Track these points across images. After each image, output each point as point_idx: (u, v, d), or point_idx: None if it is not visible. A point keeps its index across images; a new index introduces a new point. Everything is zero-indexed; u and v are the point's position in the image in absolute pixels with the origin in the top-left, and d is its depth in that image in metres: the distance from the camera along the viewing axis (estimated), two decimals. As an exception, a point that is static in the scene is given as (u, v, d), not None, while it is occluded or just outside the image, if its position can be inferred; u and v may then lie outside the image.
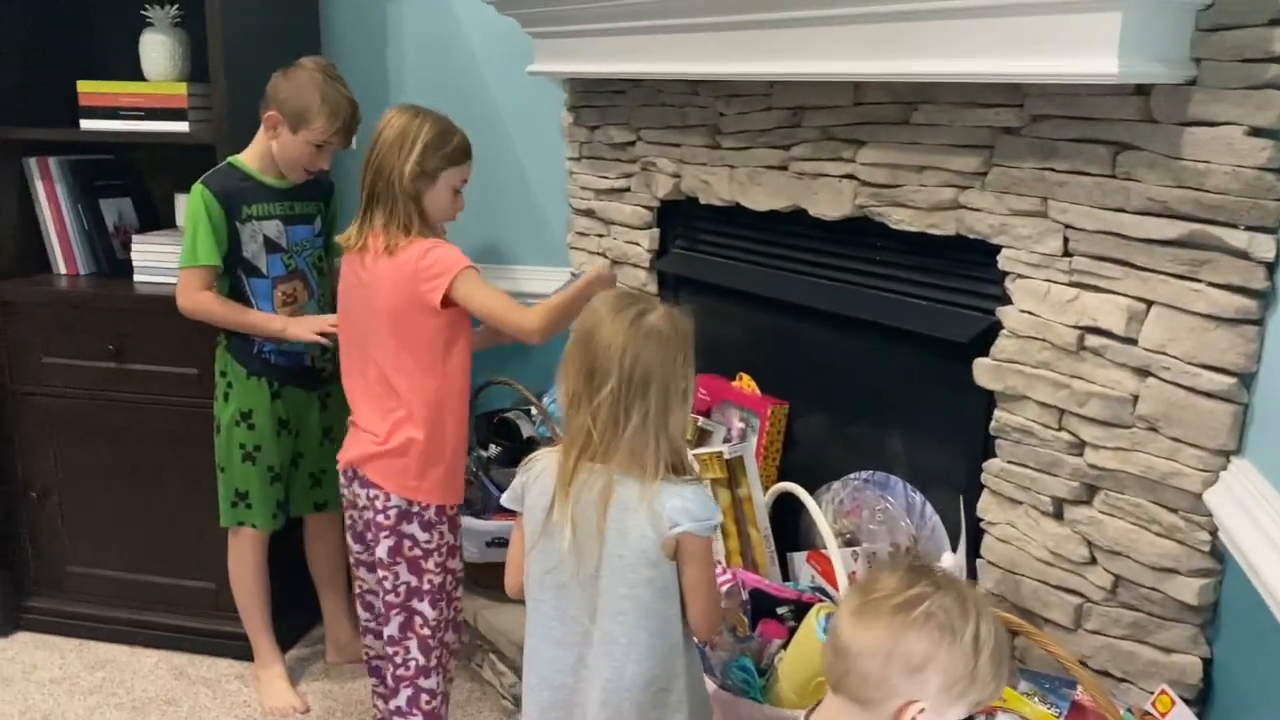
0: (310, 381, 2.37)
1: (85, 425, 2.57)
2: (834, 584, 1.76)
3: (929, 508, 1.86)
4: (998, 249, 1.62)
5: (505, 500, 1.51)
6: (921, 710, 1.06)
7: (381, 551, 1.93)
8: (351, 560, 2.03)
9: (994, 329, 1.65)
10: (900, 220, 1.78)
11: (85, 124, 2.52)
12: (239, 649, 2.53)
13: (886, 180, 1.79)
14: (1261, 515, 1.25)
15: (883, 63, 1.64)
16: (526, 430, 2.47)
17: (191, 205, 2.16)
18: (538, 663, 1.48)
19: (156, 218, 2.84)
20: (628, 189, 2.47)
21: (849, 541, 1.88)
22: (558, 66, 2.46)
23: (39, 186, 2.61)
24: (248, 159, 2.25)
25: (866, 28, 1.64)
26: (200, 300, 2.20)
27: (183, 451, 2.51)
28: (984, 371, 1.65)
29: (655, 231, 2.43)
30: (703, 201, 2.24)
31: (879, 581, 1.13)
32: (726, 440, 2.14)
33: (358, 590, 2.06)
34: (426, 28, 2.74)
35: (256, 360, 2.29)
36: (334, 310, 2.36)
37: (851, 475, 1.99)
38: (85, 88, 2.50)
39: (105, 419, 2.56)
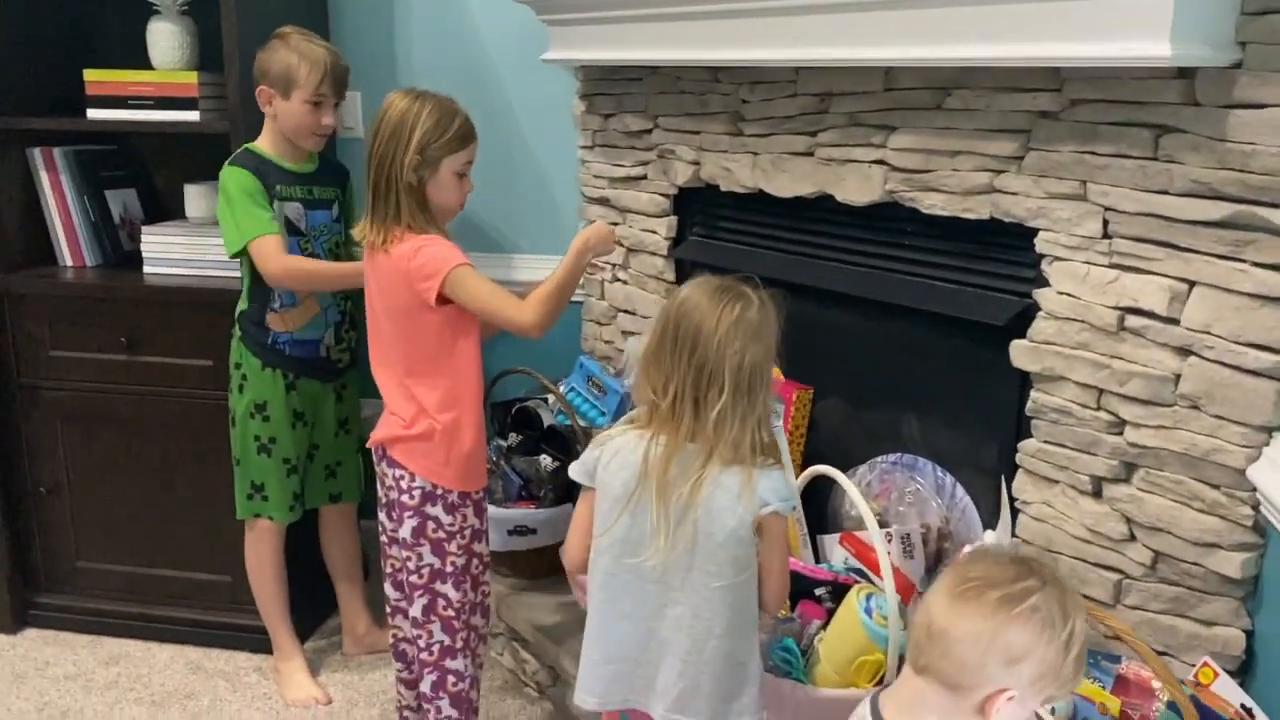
0: (325, 373, 2.36)
1: (95, 419, 2.54)
2: (870, 565, 1.78)
3: (959, 489, 1.88)
4: (1033, 232, 1.64)
5: (573, 473, 1.54)
6: (1010, 699, 1.08)
7: (405, 532, 1.93)
8: (384, 538, 2.02)
9: (1028, 312, 1.68)
10: (933, 205, 1.79)
11: (92, 114, 2.48)
12: (256, 642, 2.52)
13: (918, 165, 1.80)
14: (1306, 489, 1.28)
15: (917, 48, 1.65)
16: (546, 419, 2.47)
17: (233, 185, 2.14)
18: (605, 640, 1.50)
19: (162, 209, 2.80)
20: (644, 177, 2.47)
21: (880, 524, 1.89)
22: (573, 54, 2.46)
23: (44, 178, 2.58)
24: (263, 145, 2.24)
25: (899, 13, 1.65)
26: (293, 263, 2.17)
27: (196, 444, 2.50)
28: (1021, 353, 1.67)
29: (673, 219, 2.44)
30: (723, 189, 2.25)
31: (984, 568, 1.13)
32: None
33: (389, 570, 2.05)
34: (435, 14, 2.73)
35: (271, 352, 2.27)
36: (348, 299, 2.37)
37: (878, 459, 2.01)
38: (92, 76, 2.47)
39: (116, 412, 2.53)
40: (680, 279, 2.46)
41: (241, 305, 2.28)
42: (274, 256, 2.14)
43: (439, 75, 2.70)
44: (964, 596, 1.10)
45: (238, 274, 2.36)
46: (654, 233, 2.47)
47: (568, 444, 2.39)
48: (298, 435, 2.33)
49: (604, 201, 2.60)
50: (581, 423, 2.43)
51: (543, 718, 2.29)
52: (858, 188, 1.93)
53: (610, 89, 2.51)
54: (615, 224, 2.59)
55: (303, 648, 2.48)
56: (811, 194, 2.04)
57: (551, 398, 2.50)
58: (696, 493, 1.40)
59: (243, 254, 2.18)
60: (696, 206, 2.41)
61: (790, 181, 2.08)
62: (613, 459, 1.48)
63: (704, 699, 1.44)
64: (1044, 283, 1.64)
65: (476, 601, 2.02)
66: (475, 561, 2.01)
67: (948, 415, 1.94)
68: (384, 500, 2.00)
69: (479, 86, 2.69)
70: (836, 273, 2.05)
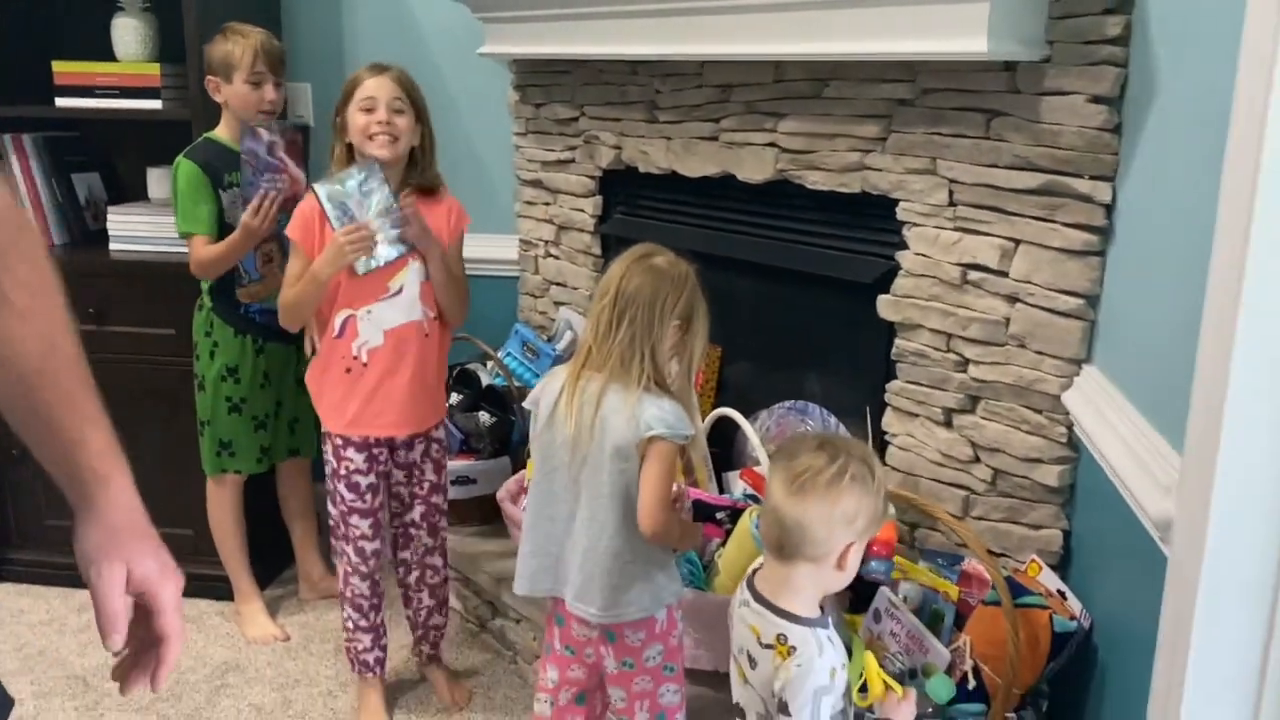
0: (288, 337, 2.57)
1: (65, 385, 2.73)
2: (763, 494, 2.05)
3: (842, 428, 2.16)
4: (894, 203, 1.93)
5: (526, 403, 1.80)
6: (853, 547, 1.36)
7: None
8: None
9: (893, 271, 1.96)
10: (815, 181, 2.07)
11: (61, 102, 2.68)
12: (218, 590, 2.73)
13: (803, 147, 2.08)
14: (1107, 410, 1.57)
15: (800, 45, 1.93)
16: (485, 380, 2.72)
17: (181, 178, 2.36)
18: (533, 534, 1.75)
19: (124, 191, 3.00)
20: (572, 160, 2.73)
21: (770, 457, 2.17)
22: (506, 48, 2.70)
23: (14, 161, 2.77)
24: (221, 133, 2.46)
25: (786, 14, 1.93)
26: (202, 256, 2.38)
27: (160, 407, 2.70)
28: (886, 306, 1.96)
29: (598, 199, 2.69)
30: (642, 170, 2.52)
31: (804, 460, 1.39)
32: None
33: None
34: (379, 10, 2.95)
35: (243, 320, 2.49)
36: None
37: (776, 405, 2.29)
38: (60, 68, 2.67)
39: (84, 379, 2.72)
40: (605, 253, 2.72)
41: (208, 281, 2.49)
42: (195, 255, 2.40)
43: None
44: (802, 490, 1.36)
45: (197, 249, 2.58)
46: (582, 211, 2.73)
47: (504, 402, 2.64)
48: (266, 394, 2.56)
49: (536, 184, 2.85)
50: (516, 383, 2.69)
51: (481, 648, 2.54)
52: (754, 167, 2.20)
53: (541, 80, 2.76)
54: (547, 204, 2.84)
55: (261, 594, 2.70)
56: (716, 174, 2.31)
57: (490, 362, 2.75)
58: (595, 412, 1.64)
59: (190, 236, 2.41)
60: (619, 187, 2.67)
61: (699, 163, 2.34)
62: (545, 387, 1.74)
63: (597, 590, 1.67)
64: (904, 246, 1.92)
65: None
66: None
67: (832, 365, 2.22)
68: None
69: (420, 77, 2.90)
70: (739, 243, 2.32)
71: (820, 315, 2.21)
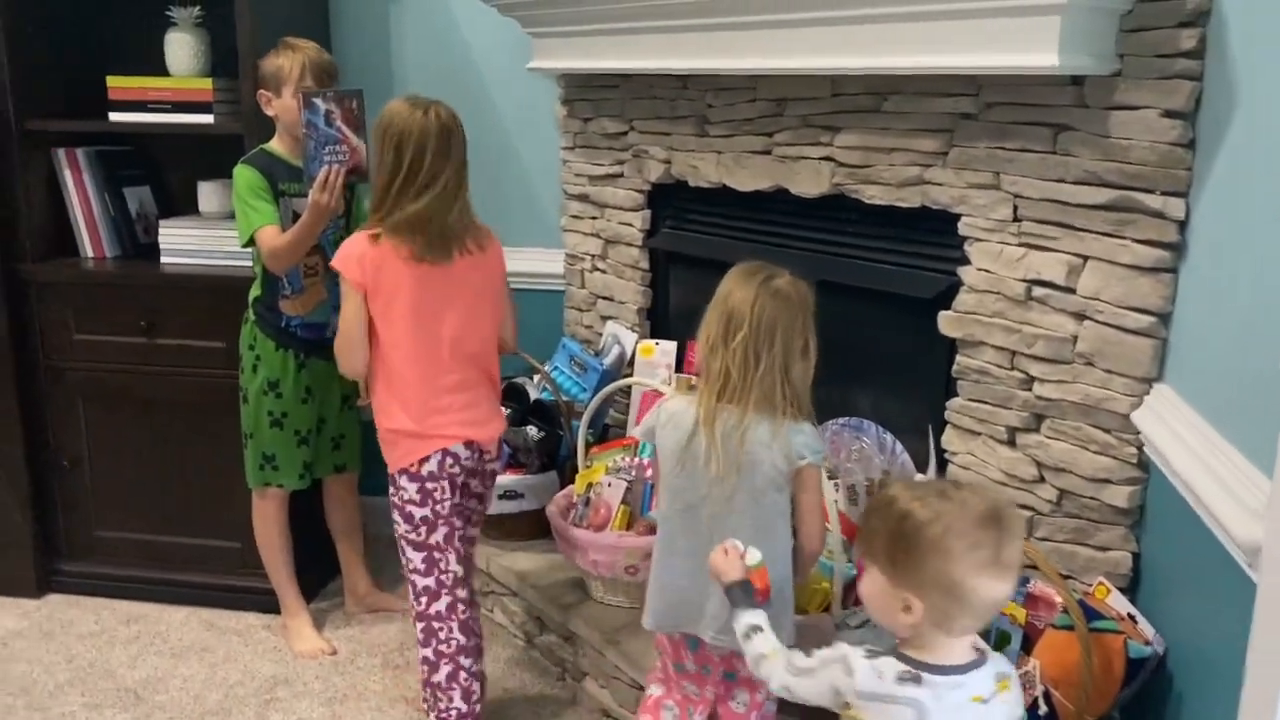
0: (331, 352, 2.58)
1: (115, 397, 2.76)
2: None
3: (899, 445, 2.13)
4: (955, 218, 1.90)
5: (638, 434, 1.82)
6: None
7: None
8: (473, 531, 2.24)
9: (954, 287, 1.93)
10: (873, 196, 2.05)
11: (114, 116, 2.70)
12: (264, 603, 2.73)
13: (860, 161, 2.06)
14: (1179, 428, 1.53)
15: (859, 59, 1.92)
16: (533, 394, 2.71)
17: (240, 182, 2.37)
18: (663, 570, 1.75)
19: (173, 205, 3.03)
20: (620, 174, 2.72)
21: (829, 475, 2.14)
22: (556, 63, 2.70)
23: (67, 176, 2.79)
24: (276, 145, 2.47)
25: (844, 29, 1.91)
26: (274, 243, 2.35)
27: (208, 420, 2.71)
28: (947, 322, 1.93)
29: (647, 213, 2.68)
30: (691, 184, 2.50)
31: (978, 536, 1.23)
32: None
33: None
34: (427, 26, 2.96)
35: (285, 334, 2.50)
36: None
37: (830, 422, 2.26)
38: (114, 83, 2.69)
39: (134, 391, 2.75)
40: (654, 268, 2.71)
41: (255, 292, 2.50)
42: (267, 246, 2.37)
43: (430, 82, 2.94)
44: (1003, 571, 1.23)
45: (247, 264, 2.59)
46: (630, 225, 2.72)
47: (552, 417, 2.63)
48: (307, 410, 2.56)
49: (583, 198, 2.85)
50: (564, 397, 2.68)
51: (529, 665, 2.52)
52: (809, 181, 2.18)
53: (589, 95, 2.76)
54: (594, 217, 2.84)
55: (308, 607, 2.70)
56: (769, 188, 2.29)
57: (537, 376, 2.74)
58: (740, 446, 1.63)
59: (251, 243, 2.41)
60: (668, 201, 2.66)
61: (750, 177, 2.33)
62: (667, 421, 1.73)
63: None
64: (965, 261, 1.90)
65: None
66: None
67: (888, 381, 2.19)
68: (478, 491, 2.18)
69: (467, 92, 2.92)
70: (791, 257, 2.28)
71: (876, 331, 2.19)
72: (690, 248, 2.59)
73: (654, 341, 2.67)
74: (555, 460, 2.64)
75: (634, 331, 2.74)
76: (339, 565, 2.83)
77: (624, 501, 2.30)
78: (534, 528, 2.60)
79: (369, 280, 1.99)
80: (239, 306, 2.55)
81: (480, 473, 2.15)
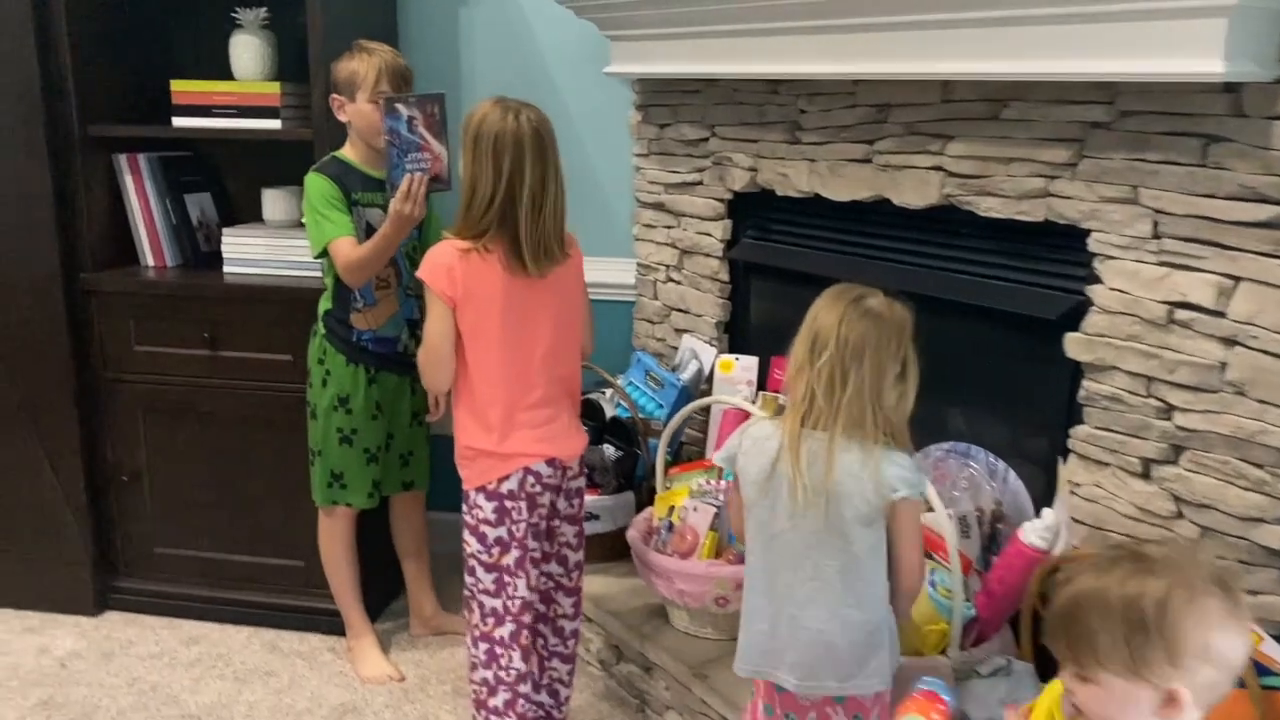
0: (402, 367, 2.49)
1: (176, 410, 2.68)
2: (932, 546, 1.90)
3: (1011, 473, 2.01)
4: (1084, 233, 1.78)
5: (719, 460, 1.70)
6: None
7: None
8: (566, 553, 2.13)
9: (1080, 307, 1.81)
10: (989, 209, 1.93)
11: (178, 121, 2.62)
12: (328, 624, 2.65)
13: (975, 171, 1.94)
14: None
15: (975, 63, 1.80)
16: (608, 411, 2.60)
17: (313, 191, 2.28)
18: (747, 608, 1.66)
19: (234, 212, 2.94)
20: (699, 182, 2.61)
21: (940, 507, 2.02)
22: (635, 67, 2.60)
23: (128, 181, 2.71)
24: (349, 153, 2.38)
25: (959, 31, 1.79)
26: (351, 256, 2.25)
27: (272, 435, 2.63)
28: (1075, 345, 1.81)
29: (728, 222, 2.57)
30: (779, 193, 2.39)
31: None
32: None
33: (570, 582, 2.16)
34: (497, 28, 2.87)
35: (356, 348, 2.40)
36: (419, 298, 2.50)
37: (932, 447, 2.14)
38: (178, 87, 2.61)
39: (196, 404, 2.66)
40: (734, 280, 2.60)
41: (325, 305, 2.41)
42: (344, 258, 2.28)
43: (499, 87, 2.83)
44: (1244, 623, 1.13)
45: (315, 274, 2.51)
46: (709, 235, 2.61)
47: (629, 435, 2.52)
48: (377, 426, 2.47)
49: (659, 206, 2.74)
50: (640, 415, 2.57)
51: (605, 695, 2.42)
52: (915, 192, 2.06)
53: (667, 100, 2.65)
54: (669, 226, 2.73)
55: (374, 628, 2.61)
56: (868, 198, 2.18)
57: (610, 390, 2.64)
58: (828, 475, 1.53)
59: (324, 255, 2.32)
60: (750, 210, 2.55)
61: (847, 186, 2.21)
62: (751, 446, 1.62)
63: (833, 666, 1.56)
64: (1095, 280, 1.77)
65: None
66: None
67: (1001, 405, 2.07)
68: (566, 511, 2.08)
69: (536, 96, 2.79)
70: (892, 272, 2.17)
71: (987, 351, 2.07)
72: (776, 259, 2.47)
73: (734, 356, 2.56)
74: (632, 480, 2.54)
75: (712, 346, 2.63)
76: (402, 584, 2.74)
77: (712, 527, 2.19)
78: (610, 550, 2.50)
79: (459, 293, 1.89)
80: (305, 318, 2.47)
81: (564, 490, 2.05)
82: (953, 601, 1.76)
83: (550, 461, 1.97)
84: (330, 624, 2.64)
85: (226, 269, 2.70)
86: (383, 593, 2.80)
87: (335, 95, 2.32)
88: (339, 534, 2.51)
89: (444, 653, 2.60)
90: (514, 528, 1.96)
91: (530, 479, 1.95)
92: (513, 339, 1.93)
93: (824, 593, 1.56)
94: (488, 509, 1.95)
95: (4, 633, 2.68)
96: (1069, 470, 1.85)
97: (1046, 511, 1.82)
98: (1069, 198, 1.79)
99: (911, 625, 1.75)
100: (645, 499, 2.54)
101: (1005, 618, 1.87)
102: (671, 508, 2.31)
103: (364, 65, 2.28)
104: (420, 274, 1.92)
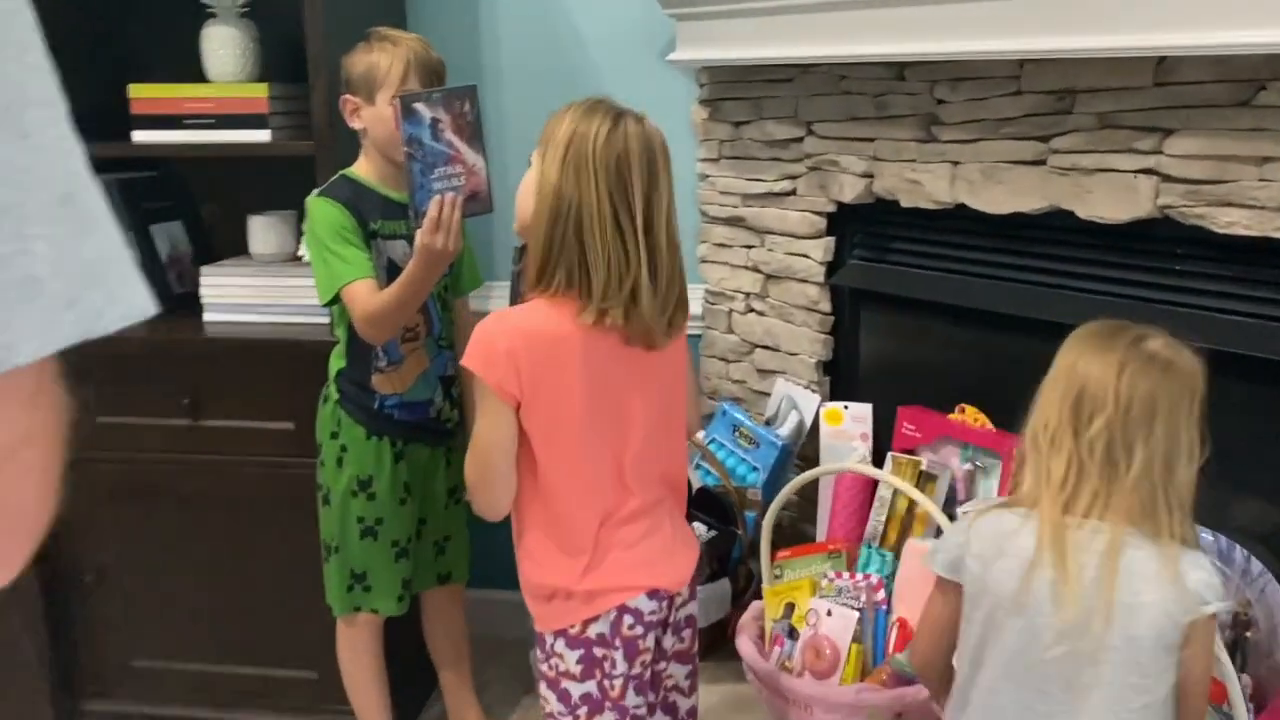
0: (435, 436, 2.00)
1: (153, 494, 2.16)
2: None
3: (1254, 562, 1.55)
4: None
5: (936, 565, 1.30)
6: None
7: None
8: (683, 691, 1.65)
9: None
10: (1230, 223, 1.47)
11: (139, 136, 2.11)
12: (350, 749, 2.15)
13: (1208, 175, 1.48)
14: None
15: (1215, 33, 1.34)
16: (694, 480, 2.12)
17: (319, 221, 1.78)
18: None
19: (210, 245, 2.42)
20: (792, 192, 2.13)
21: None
22: (709, 53, 2.12)
23: (80, 212, 2.18)
24: (362, 170, 1.88)
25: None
26: (373, 305, 1.76)
27: (273, 521, 2.12)
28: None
29: (829, 240, 2.09)
30: (905, 204, 1.92)
31: None
32: (959, 501, 1.83)
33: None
34: (527, 8, 2.37)
35: (379, 418, 1.91)
36: (451, 349, 2.01)
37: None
38: (138, 93, 2.10)
39: (175, 486, 2.15)
40: (837, 310, 2.13)
41: (338, 363, 1.92)
42: (362, 308, 1.78)
43: (527, 79, 2.36)
44: None
45: (320, 320, 2.02)
46: (805, 256, 2.13)
47: (724, 509, 2.04)
48: (406, 512, 1.97)
49: (736, 221, 2.26)
50: (734, 483, 2.09)
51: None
52: (1113, 202, 1.59)
53: (745, 92, 2.17)
54: (749, 246, 2.25)
55: (407, 753, 2.12)
56: (1038, 210, 1.71)
57: (697, 452, 2.15)
58: (1109, 581, 1.15)
59: (335, 302, 1.82)
60: (859, 225, 2.08)
61: (1008, 196, 1.74)
62: (988, 547, 1.23)
63: None
64: None
65: None
66: None
67: (1240, 475, 1.60)
68: (676, 649, 1.59)
69: (574, 93, 2.34)
70: (1075, 302, 1.71)
71: (1221, 408, 1.60)
72: (901, 286, 2.00)
73: (842, 405, 2.08)
74: (726, 564, 2.06)
75: (813, 391, 2.15)
76: (436, 684, 2.25)
77: (855, 638, 1.72)
78: (702, 646, 2.01)
79: (525, 387, 1.38)
80: (310, 377, 1.97)
81: (673, 624, 1.55)
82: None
83: (653, 593, 1.48)
84: (352, 749, 2.14)
85: (207, 316, 2.19)
86: (412, 699, 2.30)
87: (348, 96, 1.82)
88: (363, 646, 2.01)
89: (497, 781, 2.12)
90: (607, 683, 1.46)
91: (628, 619, 1.46)
92: (601, 434, 1.44)
93: None
94: (570, 659, 1.46)
95: (-55, 777, 2.16)
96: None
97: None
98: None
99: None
100: (742, 586, 2.07)
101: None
102: (789, 606, 1.84)
103: (387, 58, 1.78)
104: (468, 363, 1.40)
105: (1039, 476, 1.24)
